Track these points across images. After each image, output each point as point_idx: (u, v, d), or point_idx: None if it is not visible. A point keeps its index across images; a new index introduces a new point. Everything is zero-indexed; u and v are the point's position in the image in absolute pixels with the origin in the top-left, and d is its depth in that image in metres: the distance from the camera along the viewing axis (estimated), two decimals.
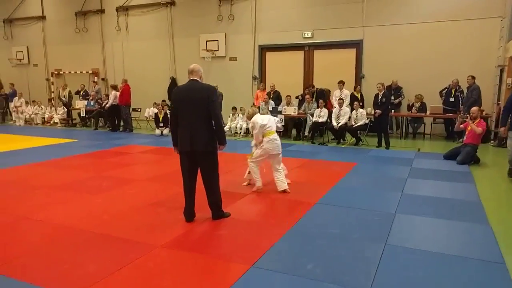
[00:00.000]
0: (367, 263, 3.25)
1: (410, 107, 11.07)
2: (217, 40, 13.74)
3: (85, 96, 14.15)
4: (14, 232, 3.96)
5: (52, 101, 16.09)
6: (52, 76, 17.13)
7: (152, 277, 3.01)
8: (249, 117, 5.62)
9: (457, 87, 10.27)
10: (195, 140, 4.02)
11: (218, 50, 13.76)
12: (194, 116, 4.03)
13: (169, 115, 5.04)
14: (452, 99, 10.28)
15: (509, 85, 9.38)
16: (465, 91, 10.17)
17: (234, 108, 11.63)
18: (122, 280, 2.97)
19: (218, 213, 4.29)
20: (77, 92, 14.53)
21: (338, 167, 7.03)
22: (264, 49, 13.32)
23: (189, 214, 4.23)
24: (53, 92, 17.11)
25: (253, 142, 5.77)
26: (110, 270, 3.11)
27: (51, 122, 14.02)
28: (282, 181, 5.37)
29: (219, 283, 2.92)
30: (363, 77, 11.99)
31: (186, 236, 3.83)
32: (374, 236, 3.82)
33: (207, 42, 13.85)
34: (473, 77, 9.70)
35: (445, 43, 10.83)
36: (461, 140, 9.43)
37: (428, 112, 10.45)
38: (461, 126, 7.55)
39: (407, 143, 10.06)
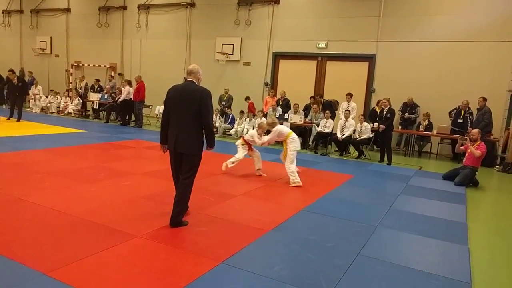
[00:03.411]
0: (334, 270, 3.31)
1: (418, 125, 11.03)
2: (233, 44, 13.95)
3: (100, 90, 14.54)
4: (6, 211, 4.14)
5: (69, 92, 16.58)
6: (71, 67, 17.64)
7: (123, 264, 3.14)
8: (272, 125, 6.74)
9: (467, 109, 10.19)
10: (179, 141, 3.99)
11: (232, 54, 13.97)
12: (183, 117, 3.99)
13: None
14: (460, 120, 10.19)
15: None
16: (474, 112, 10.09)
17: (242, 112, 11.77)
18: (94, 264, 3.11)
19: (176, 219, 4.05)
20: (92, 87, 14.92)
21: (335, 178, 7.07)
22: (278, 56, 13.46)
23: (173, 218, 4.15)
24: (71, 83, 17.59)
25: (238, 142, 7.02)
26: (86, 253, 3.26)
27: (66, 112, 14.41)
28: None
29: (184, 275, 3.03)
30: (374, 92, 12.00)
31: (166, 229, 3.95)
32: (349, 246, 3.87)
33: (223, 45, 14.08)
34: (485, 99, 9.63)
35: (458, 63, 10.78)
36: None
37: (435, 132, 10.38)
38: (462, 148, 7.51)
39: (411, 160, 10.02)
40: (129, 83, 12.59)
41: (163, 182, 5.75)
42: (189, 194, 4.14)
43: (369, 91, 12.07)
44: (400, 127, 11.07)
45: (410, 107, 11.17)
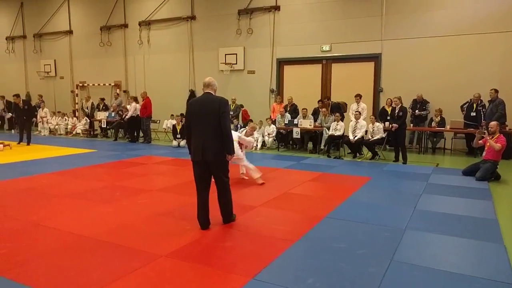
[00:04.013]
0: (369, 279, 3.17)
1: (430, 122, 10.86)
2: (236, 54, 13.92)
3: (105, 109, 14.56)
4: (25, 238, 4.06)
5: (76, 112, 16.64)
6: (76, 88, 17.71)
7: (152, 286, 3.03)
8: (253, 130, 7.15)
9: (479, 101, 10.03)
10: (206, 150, 4.20)
11: (236, 63, 13.93)
12: (206, 127, 4.23)
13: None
14: (473, 114, 10.03)
15: None
16: (487, 105, 9.93)
17: (251, 121, 11.67)
18: None
19: (228, 217, 4.51)
20: (97, 106, 14.92)
21: (352, 181, 6.93)
22: (282, 63, 13.40)
23: (203, 223, 4.35)
24: (77, 103, 17.66)
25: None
26: (113, 277, 3.15)
27: (74, 133, 14.42)
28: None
29: None
30: (382, 91, 11.87)
31: (191, 247, 3.85)
32: (380, 252, 3.73)
33: (226, 55, 14.05)
34: (496, 91, 9.47)
35: (465, 56, 10.64)
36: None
37: (448, 127, 10.21)
38: (480, 141, 7.34)
39: (426, 158, 9.85)
40: (135, 99, 12.58)
41: (180, 197, 5.66)
42: (230, 192, 4.47)
43: (377, 90, 11.94)
44: (411, 125, 10.91)
45: (420, 103, 11.02)
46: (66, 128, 14.83)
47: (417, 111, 10.95)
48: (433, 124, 10.65)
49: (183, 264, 3.45)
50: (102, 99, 15.19)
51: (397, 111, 9.00)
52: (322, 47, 12.55)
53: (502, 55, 10.23)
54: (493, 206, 5.34)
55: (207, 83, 4.38)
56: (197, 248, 3.85)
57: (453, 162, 9.24)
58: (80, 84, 17.61)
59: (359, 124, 9.61)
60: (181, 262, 3.49)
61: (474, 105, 10.09)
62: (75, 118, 15.14)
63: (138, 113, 12.25)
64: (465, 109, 10.35)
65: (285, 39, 13.15)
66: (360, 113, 9.81)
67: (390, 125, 9.08)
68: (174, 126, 11.59)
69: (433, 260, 3.57)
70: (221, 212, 4.49)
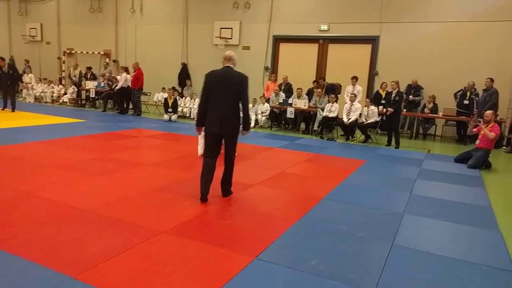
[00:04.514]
0: (372, 262, 3.18)
1: (422, 108, 10.90)
2: (231, 28, 13.61)
3: (93, 79, 14.14)
4: (17, 208, 3.93)
5: (62, 80, 16.14)
6: (64, 55, 17.14)
7: (154, 263, 2.97)
8: None
9: (473, 90, 10.08)
10: (224, 123, 4.27)
11: (231, 38, 13.63)
12: (226, 101, 4.26)
13: (199, 96, 5.50)
14: (466, 102, 10.09)
15: None
16: (480, 93, 9.98)
17: (254, 100, 11.47)
18: (123, 264, 2.93)
19: (228, 190, 4.60)
20: (85, 76, 14.45)
21: (346, 163, 6.94)
22: (278, 40, 13.17)
23: (205, 191, 4.37)
24: (63, 71, 17.13)
25: None
26: (112, 253, 3.08)
27: (60, 101, 14.02)
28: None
29: (221, 273, 2.87)
30: (377, 74, 11.82)
31: (190, 224, 3.78)
32: (381, 235, 3.74)
33: (221, 29, 13.72)
34: (492, 80, 9.51)
35: (463, 44, 10.61)
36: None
37: (440, 114, 10.27)
38: (474, 130, 7.39)
39: (417, 143, 9.92)
40: (126, 70, 12.22)
41: (175, 173, 5.57)
42: (233, 167, 4.58)
43: (372, 74, 11.88)
44: (404, 110, 10.93)
45: (414, 89, 11.03)
46: (52, 96, 14.39)
47: (410, 96, 10.96)
48: (426, 110, 10.68)
49: (184, 241, 3.39)
50: (89, 68, 14.70)
51: (393, 95, 8.97)
52: (320, 27, 12.35)
53: (500, 45, 10.24)
54: (486, 194, 5.42)
55: (228, 57, 4.39)
56: (197, 225, 3.79)
57: (444, 148, 9.33)
58: (68, 51, 17.04)
59: (354, 107, 9.57)
60: (182, 239, 3.43)
61: (468, 93, 10.15)
62: (61, 86, 14.68)
63: (129, 84, 11.93)
64: (458, 96, 10.41)
65: (283, 16, 12.88)
66: (355, 96, 9.76)
67: (385, 109, 9.07)
68: (165, 99, 11.35)
69: (433, 245, 3.59)
70: (224, 185, 4.55)
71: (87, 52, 16.51)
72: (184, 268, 2.92)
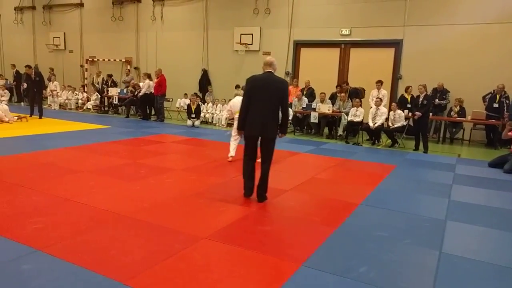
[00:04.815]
0: (423, 270, 3.07)
1: (449, 111, 10.68)
2: (252, 34, 13.61)
3: (114, 85, 14.32)
4: (58, 213, 3.94)
5: (85, 87, 16.38)
6: (86, 62, 17.42)
7: (200, 270, 2.92)
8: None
9: (502, 93, 9.83)
10: (266, 127, 4.37)
11: (252, 44, 13.63)
12: (268, 105, 4.36)
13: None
14: (496, 105, 9.84)
15: None
16: (510, 96, 9.73)
17: None
18: (170, 270, 2.89)
19: (264, 195, 4.59)
20: (106, 83, 14.64)
21: (377, 168, 6.81)
22: (299, 45, 13.11)
23: (250, 189, 4.61)
24: (86, 78, 17.41)
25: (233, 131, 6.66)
26: (157, 258, 3.04)
27: (84, 108, 14.23)
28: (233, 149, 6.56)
29: (269, 281, 2.81)
30: (400, 78, 11.63)
31: (230, 230, 3.73)
32: (426, 242, 3.62)
33: (242, 35, 13.73)
34: None
35: (491, 46, 10.36)
36: (509, 147, 9.06)
37: (469, 117, 10.03)
38: (510, 133, 7.18)
39: (445, 148, 9.71)
40: (149, 76, 12.34)
41: (206, 178, 5.55)
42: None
43: (396, 77, 11.71)
44: (431, 114, 10.70)
45: (440, 93, 10.80)
46: (77, 103, 14.62)
47: (437, 100, 10.74)
48: (452, 113, 10.46)
49: (227, 248, 3.34)
50: (110, 75, 14.88)
51: (421, 99, 8.80)
52: (342, 31, 12.25)
53: None
54: None
55: (269, 63, 4.51)
56: (237, 230, 3.73)
57: (474, 153, 9.09)
58: (90, 59, 17.31)
59: (380, 111, 9.43)
60: (224, 245, 3.38)
61: (497, 96, 9.89)
62: (85, 93, 14.90)
63: (152, 90, 12.03)
64: (487, 100, 10.15)
65: (303, 21, 12.83)
66: (381, 100, 9.62)
67: (412, 113, 8.90)
68: (188, 105, 11.39)
69: (483, 253, 3.46)
70: (260, 189, 4.57)
71: (109, 60, 16.75)
72: (231, 276, 2.86)
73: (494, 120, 9.71)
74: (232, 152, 6.64)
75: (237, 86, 12.03)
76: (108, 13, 16.51)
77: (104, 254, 3.09)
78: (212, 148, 8.02)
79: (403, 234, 3.78)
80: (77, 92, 15.07)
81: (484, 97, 10.28)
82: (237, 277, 2.84)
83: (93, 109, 14.19)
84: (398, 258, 3.27)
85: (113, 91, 13.63)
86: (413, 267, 3.11)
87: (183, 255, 3.15)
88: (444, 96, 10.80)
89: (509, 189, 5.77)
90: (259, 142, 4.55)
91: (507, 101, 9.76)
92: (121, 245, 3.27)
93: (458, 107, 10.41)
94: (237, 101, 6.25)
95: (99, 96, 14.29)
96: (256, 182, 4.60)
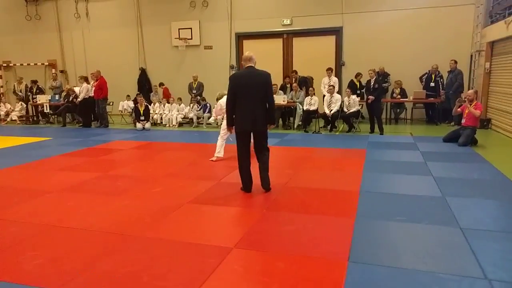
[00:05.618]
0: (460, 250, 3.15)
1: (391, 93, 11.33)
2: (191, 28, 13.14)
3: (40, 92, 12.93)
4: (52, 243, 3.40)
5: (2, 97, 14.58)
6: (0, 68, 15.51)
7: (251, 283, 2.70)
8: (219, 99, 6.80)
9: (437, 72, 10.65)
10: (257, 121, 4.48)
11: (192, 39, 13.17)
12: (255, 99, 4.48)
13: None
14: (432, 84, 10.63)
15: (487, 69, 9.86)
16: (444, 75, 10.58)
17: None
18: None
19: (269, 183, 4.73)
20: (30, 90, 13.12)
21: (350, 154, 7.00)
22: (241, 37, 12.95)
23: (250, 186, 4.70)
24: (1, 86, 15.53)
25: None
26: (199, 279, 2.75)
27: (8, 120, 12.67)
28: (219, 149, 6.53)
29: (333, 282, 2.68)
30: (343, 65, 12.06)
31: (253, 235, 3.53)
32: (442, 221, 3.75)
33: (180, 30, 13.20)
34: (456, 62, 10.11)
35: (423, 30, 11.13)
36: (452, 123, 9.88)
37: (411, 97, 10.74)
38: (459, 109, 7.79)
39: (394, 128, 10.29)
40: (86, 79, 11.33)
41: (194, 182, 5.23)
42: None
43: (339, 64, 12.12)
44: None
45: (382, 76, 11.41)
46: None
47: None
48: (394, 95, 11.12)
49: (262, 254, 3.14)
50: (35, 82, 13.37)
51: (372, 83, 9.20)
52: (283, 21, 12.34)
53: (456, 28, 10.84)
54: (495, 168, 5.70)
55: (248, 58, 4.58)
56: (262, 235, 3.54)
57: (421, 130, 9.74)
58: (4, 64, 15.45)
59: (334, 98, 9.68)
60: (258, 252, 3.19)
61: (433, 76, 10.70)
62: (7, 104, 13.27)
63: (91, 94, 11.07)
64: (424, 80, 10.95)
65: (244, 13, 12.68)
66: (334, 87, 9.87)
67: (366, 98, 9.27)
68: (136, 107, 10.68)
69: (497, 223, 3.68)
70: (264, 180, 4.70)
71: (28, 64, 15.07)
72: (286, 284, 2.68)
73: (432, 99, 10.50)
74: (220, 152, 6.53)
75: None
76: (22, 11, 14.82)
77: (137, 283, 2.72)
78: (179, 150, 7.61)
79: (418, 216, 3.88)
80: None
81: (421, 78, 11.07)
82: (293, 285, 2.67)
83: (19, 121, 12.69)
84: (432, 240, 3.35)
85: (43, 99, 12.30)
86: (450, 248, 3.18)
87: (224, 270, 2.89)
88: (385, 79, 11.42)
89: (474, 160, 6.25)
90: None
91: (441, 80, 10.60)
92: (148, 269, 2.91)
93: (398, 89, 11.09)
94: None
95: (25, 106, 12.81)
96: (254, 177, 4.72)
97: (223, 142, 6.57)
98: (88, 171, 5.98)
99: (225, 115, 6.43)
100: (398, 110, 11.20)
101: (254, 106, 4.46)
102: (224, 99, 6.41)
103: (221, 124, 10.24)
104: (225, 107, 6.32)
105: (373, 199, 4.45)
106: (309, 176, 5.56)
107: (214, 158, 6.45)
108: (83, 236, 3.54)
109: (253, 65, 4.59)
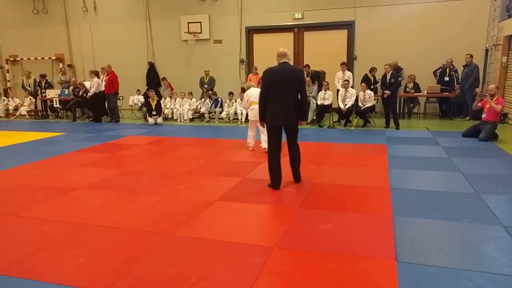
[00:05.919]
0: (508, 249, 3.09)
1: (404, 88, 11.21)
2: (200, 22, 13.00)
3: (48, 87, 12.83)
4: (88, 243, 3.33)
5: (9, 91, 14.48)
6: (7, 63, 15.39)
7: (300, 284, 2.63)
8: (246, 90, 6.83)
9: (451, 67, 10.53)
10: (289, 116, 4.53)
11: (201, 33, 13.03)
12: (288, 95, 4.51)
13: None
14: (447, 78, 10.52)
15: (504, 63, 9.74)
16: (459, 69, 10.46)
17: (231, 93, 11.07)
18: None
19: (300, 174, 4.87)
20: (38, 84, 13.01)
21: (370, 149, 6.92)
22: (251, 31, 12.81)
23: (279, 182, 4.65)
24: (9, 81, 15.43)
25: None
26: (247, 280, 2.68)
27: (17, 115, 12.58)
28: (265, 140, 6.09)
29: (388, 283, 2.61)
30: (355, 59, 11.94)
31: (292, 233, 3.45)
32: (483, 219, 3.68)
33: (189, 24, 13.05)
34: (471, 56, 9.99)
35: (438, 23, 11.00)
36: (467, 118, 9.78)
37: (425, 92, 10.63)
38: (479, 104, 7.70)
39: (408, 122, 10.19)
40: (97, 74, 11.21)
41: (220, 179, 5.16)
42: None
43: (351, 58, 11.99)
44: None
45: (395, 70, 11.27)
46: (7, 110, 12.87)
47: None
48: (408, 90, 11.01)
49: (306, 254, 3.07)
50: (43, 76, 13.27)
51: (388, 77, 9.09)
52: (294, 15, 12.19)
53: (472, 22, 10.68)
54: None
55: (283, 53, 4.61)
56: (300, 233, 3.46)
57: (437, 125, 9.64)
58: (11, 59, 15.32)
59: (349, 93, 9.58)
60: (301, 251, 3.11)
61: (447, 70, 10.59)
62: (16, 98, 13.17)
63: (101, 89, 10.96)
64: (438, 74, 10.83)
65: (254, 6, 12.54)
66: (348, 82, 9.77)
67: (383, 92, 9.17)
68: (148, 102, 10.57)
69: None
70: (296, 172, 4.83)
71: (36, 58, 14.96)
72: (338, 285, 2.61)
73: (447, 93, 10.40)
74: (252, 142, 6.86)
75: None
76: (29, 5, 14.67)
77: (184, 284, 2.65)
78: (195, 146, 7.52)
79: (457, 214, 3.81)
80: (4, 98, 13.25)
81: (434, 72, 10.95)
82: (346, 286, 2.60)
83: (28, 115, 12.59)
84: (477, 240, 3.27)
85: (52, 93, 12.20)
86: (499, 248, 3.11)
87: (271, 270, 2.82)
88: (399, 74, 11.29)
89: (498, 156, 6.18)
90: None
91: (456, 74, 10.49)
92: (192, 269, 2.83)
93: (412, 83, 10.98)
94: (253, 91, 6.43)
95: (34, 100, 12.72)
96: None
97: (253, 134, 6.83)
98: (108, 168, 5.90)
99: (249, 109, 6.61)
100: (411, 104, 11.10)
101: (287, 102, 4.48)
102: (251, 90, 6.59)
103: (240, 118, 10.22)
104: (250, 99, 6.45)
105: (405, 196, 4.37)
106: (334, 172, 5.48)
107: (250, 148, 6.85)
108: (118, 235, 3.47)
109: (287, 61, 4.62)
